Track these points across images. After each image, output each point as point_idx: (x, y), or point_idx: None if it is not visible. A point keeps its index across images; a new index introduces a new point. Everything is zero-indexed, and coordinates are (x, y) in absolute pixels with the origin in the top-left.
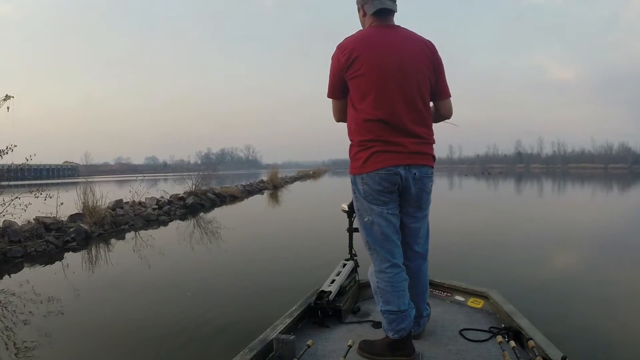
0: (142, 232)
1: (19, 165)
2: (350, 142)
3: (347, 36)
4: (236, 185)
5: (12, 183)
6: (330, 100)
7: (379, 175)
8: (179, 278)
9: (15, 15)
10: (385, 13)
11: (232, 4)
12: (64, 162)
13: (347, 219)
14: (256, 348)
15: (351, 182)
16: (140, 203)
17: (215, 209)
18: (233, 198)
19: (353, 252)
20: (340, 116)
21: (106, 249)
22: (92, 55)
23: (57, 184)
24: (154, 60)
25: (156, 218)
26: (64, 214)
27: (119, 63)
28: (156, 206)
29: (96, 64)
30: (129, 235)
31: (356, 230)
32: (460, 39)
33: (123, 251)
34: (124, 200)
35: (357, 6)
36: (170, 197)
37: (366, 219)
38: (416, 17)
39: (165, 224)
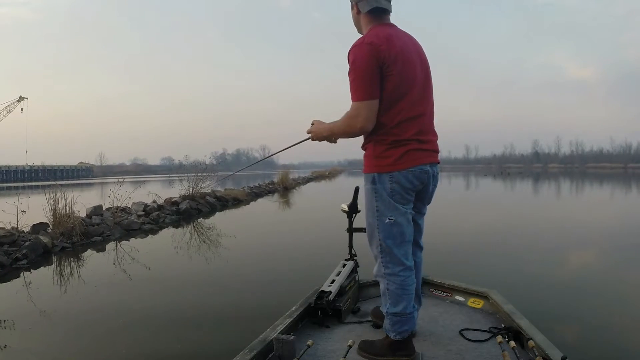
0: (119, 244)
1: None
2: (372, 140)
3: (355, 35)
4: (243, 188)
5: (26, 184)
6: (358, 105)
7: (412, 173)
8: (144, 316)
9: (31, 17)
10: (380, 12)
11: (249, 4)
12: (79, 163)
13: (347, 219)
14: (256, 348)
15: (371, 181)
16: (124, 209)
17: (216, 214)
18: (237, 202)
19: (353, 252)
20: (373, 121)
21: (64, 269)
22: (107, 55)
23: (65, 184)
24: (169, 61)
25: (139, 227)
26: (30, 222)
27: (135, 63)
28: (142, 212)
29: (112, 64)
30: (101, 249)
31: (356, 230)
32: (474, 37)
33: (85, 271)
34: (106, 206)
35: (350, 3)
36: (165, 201)
37: (387, 220)
38: (426, 14)
39: (151, 232)
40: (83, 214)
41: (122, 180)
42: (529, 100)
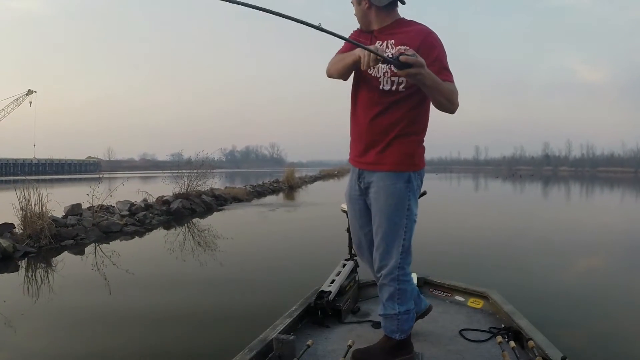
0: (92, 248)
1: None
2: (410, 135)
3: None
4: (245, 186)
5: (32, 177)
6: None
7: (424, 170)
8: None
9: (42, 11)
10: (396, 5)
11: (262, 2)
12: (87, 158)
13: (347, 219)
14: (256, 348)
15: (407, 180)
16: (107, 208)
17: (213, 214)
18: (236, 201)
19: (353, 252)
20: None
21: (13, 281)
22: (117, 49)
23: (66, 179)
24: (180, 56)
25: (120, 229)
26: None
27: (145, 58)
28: (127, 212)
29: (122, 59)
30: (71, 254)
31: None
32: (484, 38)
33: (35, 284)
34: (87, 205)
35: None
36: (156, 200)
37: (415, 218)
38: (433, 13)
39: (134, 235)
40: (61, 213)
41: (100, 176)
42: (539, 103)
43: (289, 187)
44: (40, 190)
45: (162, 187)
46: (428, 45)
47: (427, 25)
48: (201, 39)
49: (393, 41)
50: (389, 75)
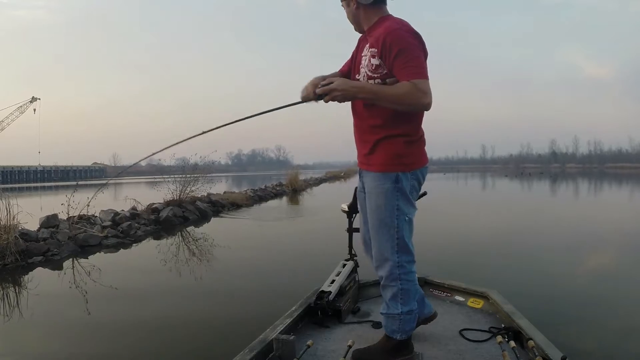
0: (68, 264)
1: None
2: (395, 136)
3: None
4: (245, 190)
5: (38, 185)
6: (427, 82)
7: (424, 171)
8: None
9: (47, 19)
10: (383, 2)
11: (264, 3)
12: (93, 164)
13: (347, 219)
14: (256, 348)
15: (394, 180)
16: (88, 219)
17: (209, 221)
18: (235, 207)
19: (353, 253)
20: None
21: None
22: (122, 55)
23: (75, 185)
24: (184, 61)
25: (99, 242)
26: None
27: (149, 64)
28: (110, 222)
29: (127, 64)
30: (36, 274)
31: (356, 230)
32: (489, 36)
33: None
34: (64, 216)
35: (344, 1)
36: (146, 207)
37: (407, 218)
38: (435, 11)
39: (116, 248)
40: (36, 225)
41: (76, 184)
42: (545, 99)
43: (293, 190)
44: (10, 201)
45: (157, 194)
46: (387, 44)
47: (420, 19)
48: (205, 47)
49: (369, 43)
50: (366, 78)
